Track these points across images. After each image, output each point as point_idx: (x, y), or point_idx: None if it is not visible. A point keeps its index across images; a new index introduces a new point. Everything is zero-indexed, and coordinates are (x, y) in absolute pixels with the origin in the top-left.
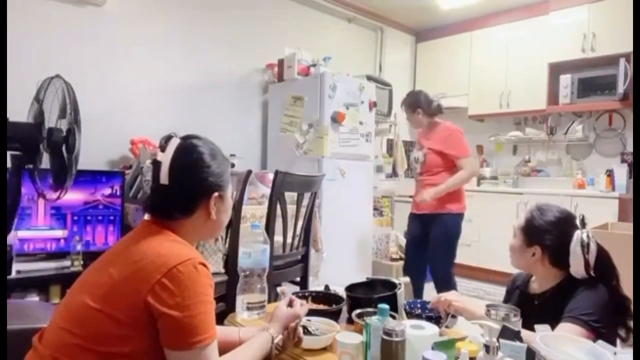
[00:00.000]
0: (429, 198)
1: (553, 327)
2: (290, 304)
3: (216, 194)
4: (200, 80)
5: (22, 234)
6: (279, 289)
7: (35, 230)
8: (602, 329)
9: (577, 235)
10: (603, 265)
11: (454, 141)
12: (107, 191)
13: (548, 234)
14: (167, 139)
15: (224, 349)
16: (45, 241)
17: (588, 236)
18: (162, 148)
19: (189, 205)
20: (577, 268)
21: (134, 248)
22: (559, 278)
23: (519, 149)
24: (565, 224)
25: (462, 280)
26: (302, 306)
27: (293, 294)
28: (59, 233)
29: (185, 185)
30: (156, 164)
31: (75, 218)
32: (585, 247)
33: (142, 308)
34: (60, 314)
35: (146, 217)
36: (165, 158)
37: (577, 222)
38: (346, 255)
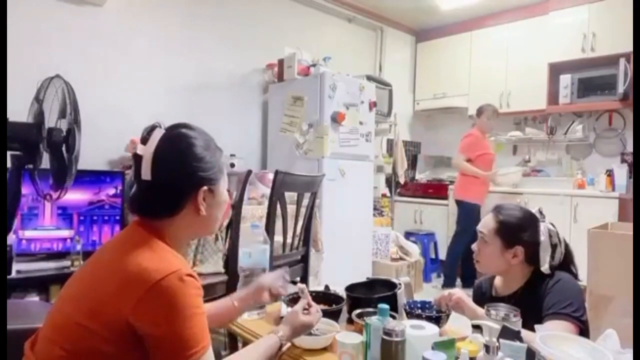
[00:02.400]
0: None
1: (530, 325)
2: (306, 308)
3: (205, 187)
4: (200, 80)
5: (30, 233)
6: (298, 286)
7: (42, 230)
8: (582, 317)
9: (544, 226)
10: (566, 253)
11: None
12: (112, 191)
13: (524, 231)
14: (150, 129)
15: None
16: (51, 241)
17: (553, 225)
18: (144, 140)
19: (174, 202)
20: (545, 260)
21: (118, 258)
22: (527, 275)
23: (519, 149)
24: (532, 219)
25: None
26: (317, 312)
27: (293, 293)
28: (66, 233)
29: (169, 180)
30: (137, 158)
31: (82, 218)
32: (553, 236)
33: (124, 326)
34: (48, 324)
35: (135, 217)
36: (147, 151)
37: (537, 215)
38: (346, 255)
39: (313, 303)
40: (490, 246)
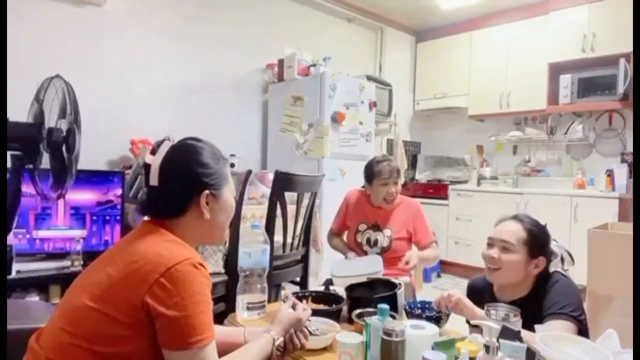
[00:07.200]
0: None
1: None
2: (293, 307)
3: (207, 192)
4: (200, 80)
5: (43, 233)
6: (282, 293)
7: (55, 229)
8: (580, 316)
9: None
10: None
11: (424, 221)
12: (119, 191)
13: (548, 242)
14: (160, 142)
15: (230, 350)
16: (64, 240)
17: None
18: (153, 151)
19: (179, 204)
20: (555, 260)
21: (132, 248)
22: (531, 285)
23: (519, 149)
24: (547, 229)
25: (462, 280)
26: (304, 310)
27: (293, 294)
28: (79, 233)
29: (174, 183)
30: (146, 167)
31: (94, 218)
32: (560, 247)
33: (140, 308)
34: (59, 314)
35: (146, 217)
36: (155, 160)
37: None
38: None
39: (297, 302)
40: (515, 255)
